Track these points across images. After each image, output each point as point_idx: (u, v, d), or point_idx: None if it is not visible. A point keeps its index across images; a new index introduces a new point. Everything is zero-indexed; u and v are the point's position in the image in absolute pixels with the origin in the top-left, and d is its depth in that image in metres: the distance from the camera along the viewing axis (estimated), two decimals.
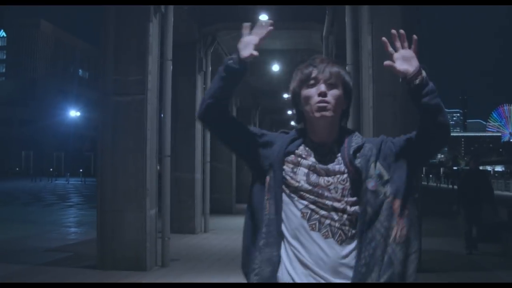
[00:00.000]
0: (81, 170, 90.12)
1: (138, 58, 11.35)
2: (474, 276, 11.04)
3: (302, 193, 2.82)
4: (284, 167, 2.90)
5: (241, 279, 2.97)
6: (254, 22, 10.77)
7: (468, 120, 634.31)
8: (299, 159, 2.91)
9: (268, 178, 2.91)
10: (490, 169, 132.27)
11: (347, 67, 11.80)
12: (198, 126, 17.27)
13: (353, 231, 2.75)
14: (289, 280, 2.76)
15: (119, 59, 11.38)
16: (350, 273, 2.70)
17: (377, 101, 10.93)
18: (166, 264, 11.59)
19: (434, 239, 15.37)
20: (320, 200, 2.80)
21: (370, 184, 2.79)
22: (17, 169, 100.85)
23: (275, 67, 25.00)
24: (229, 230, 18.11)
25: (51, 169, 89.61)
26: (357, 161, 2.83)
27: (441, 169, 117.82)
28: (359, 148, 2.87)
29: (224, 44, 21.01)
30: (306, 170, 2.86)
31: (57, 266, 11.74)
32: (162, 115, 12.24)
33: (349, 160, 2.83)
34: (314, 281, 2.72)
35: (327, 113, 2.84)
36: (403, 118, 10.83)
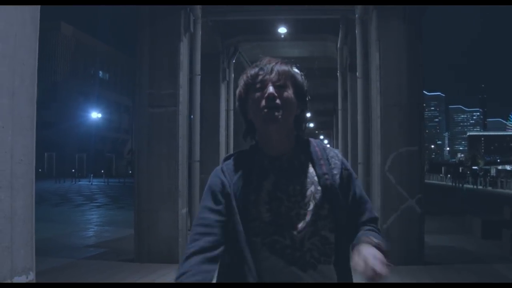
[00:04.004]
0: (102, 171, 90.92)
1: (170, 74, 12.46)
2: (473, 268, 11.89)
3: (261, 227, 2.58)
4: (240, 200, 2.59)
5: None
6: (273, 34, 12.35)
7: (488, 119, 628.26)
8: (257, 182, 2.64)
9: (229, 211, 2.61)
10: (510, 169, 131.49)
11: (358, 80, 12.98)
12: (222, 132, 18.42)
13: (313, 262, 2.57)
14: None
15: (153, 75, 12.51)
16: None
17: (384, 111, 12.00)
18: None
19: (440, 236, 16.39)
20: (278, 233, 2.57)
21: (343, 216, 2.65)
22: (40, 170, 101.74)
23: None
24: None
25: (73, 170, 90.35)
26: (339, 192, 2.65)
27: (460, 169, 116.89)
28: (341, 175, 2.70)
29: (245, 53, 21.97)
30: (267, 198, 2.61)
31: (99, 260, 12.88)
32: (192, 118, 13.39)
33: (334, 190, 2.64)
34: None
35: (278, 118, 2.57)
36: (407, 126, 11.96)
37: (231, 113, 19.48)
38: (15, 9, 4.57)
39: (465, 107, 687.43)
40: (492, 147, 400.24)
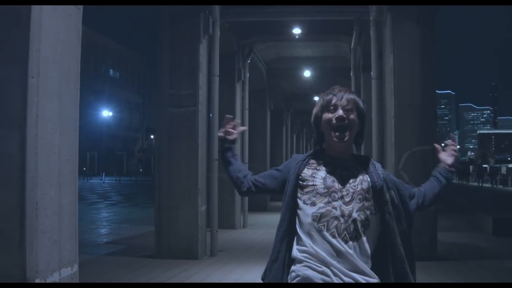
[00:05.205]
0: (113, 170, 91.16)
1: (190, 75, 12.81)
2: (485, 265, 12.20)
3: (317, 196, 3.32)
4: (302, 174, 3.42)
5: None
6: (287, 35, 12.72)
7: (498, 117, 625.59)
8: (318, 167, 3.43)
9: (286, 187, 3.47)
10: None
11: (372, 81, 13.29)
12: None
13: (355, 233, 3.22)
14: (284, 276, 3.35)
15: (173, 75, 12.85)
16: (355, 262, 3.19)
17: (397, 111, 12.32)
18: (215, 254, 13.02)
19: (452, 233, 16.65)
20: (331, 203, 3.27)
21: (386, 207, 3.36)
22: None
23: (307, 73, 26.04)
24: (265, 226, 19.31)
25: (84, 168, 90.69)
26: (382, 188, 3.39)
27: (470, 167, 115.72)
28: (383, 176, 3.46)
29: (259, 53, 22.25)
30: (324, 175, 3.36)
31: (120, 256, 13.24)
32: (210, 117, 13.73)
33: (379, 185, 3.38)
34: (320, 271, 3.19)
35: (345, 139, 3.38)
36: (420, 126, 12.27)
37: (246, 112, 19.79)
38: (62, 18, 4.91)
39: (475, 105, 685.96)
40: (502, 145, 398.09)
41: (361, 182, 3.37)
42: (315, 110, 3.56)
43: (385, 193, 3.40)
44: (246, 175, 3.74)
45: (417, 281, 3.39)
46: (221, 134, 3.83)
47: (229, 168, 3.80)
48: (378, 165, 3.55)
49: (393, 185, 3.48)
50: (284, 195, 3.47)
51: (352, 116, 3.41)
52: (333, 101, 3.41)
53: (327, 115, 3.42)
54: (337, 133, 3.39)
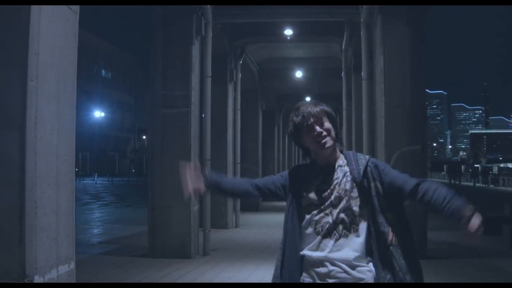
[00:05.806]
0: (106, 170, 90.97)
1: (183, 76, 12.95)
2: (474, 262, 12.37)
3: (312, 207, 3.65)
4: (303, 187, 3.74)
5: (272, 266, 3.87)
6: (279, 36, 12.87)
7: (490, 117, 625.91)
8: (313, 179, 3.73)
9: (289, 201, 3.76)
10: None
11: (363, 82, 13.45)
12: (230, 131, 18.83)
13: (345, 232, 3.54)
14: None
15: (166, 77, 12.97)
16: (342, 256, 3.52)
17: (388, 112, 12.45)
18: (207, 253, 13.14)
19: (442, 232, 16.77)
20: (322, 209, 3.61)
21: (371, 199, 3.60)
22: None
23: (298, 74, 26.22)
24: (257, 225, 19.35)
25: (76, 169, 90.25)
26: (364, 181, 3.62)
27: (462, 167, 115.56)
28: (365, 169, 3.65)
29: (251, 54, 22.36)
30: (316, 185, 3.69)
31: (113, 255, 13.34)
32: (203, 118, 13.84)
33: (359, 179, 3.63)
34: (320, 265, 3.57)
35: (328, 144, 3.63)
36: (410, 126, 12.40)
37: (238, 112, 19.91)
38: (59, 22, 5.05)
39: (467, 105, 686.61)
40: (494, 145, 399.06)
41: (345, 183, 3.65)
42: (290, 130, 3.82)
43: (367, 186, 3.65)
44: (247, 189, 3.94)
45: (408, 281, 3.59)
46: (191, 191, 3.91)
47: (229, 193, 4.13)
48: (361, 159, 3.76)
49: (378, 176, 3.66)
50: (288, 206, 3.78)
51: (326, 125, 3.67)
52: (305, 123, 3.66)
53: (307, 135, 3.69)
54: (320, 144, 3.65)
